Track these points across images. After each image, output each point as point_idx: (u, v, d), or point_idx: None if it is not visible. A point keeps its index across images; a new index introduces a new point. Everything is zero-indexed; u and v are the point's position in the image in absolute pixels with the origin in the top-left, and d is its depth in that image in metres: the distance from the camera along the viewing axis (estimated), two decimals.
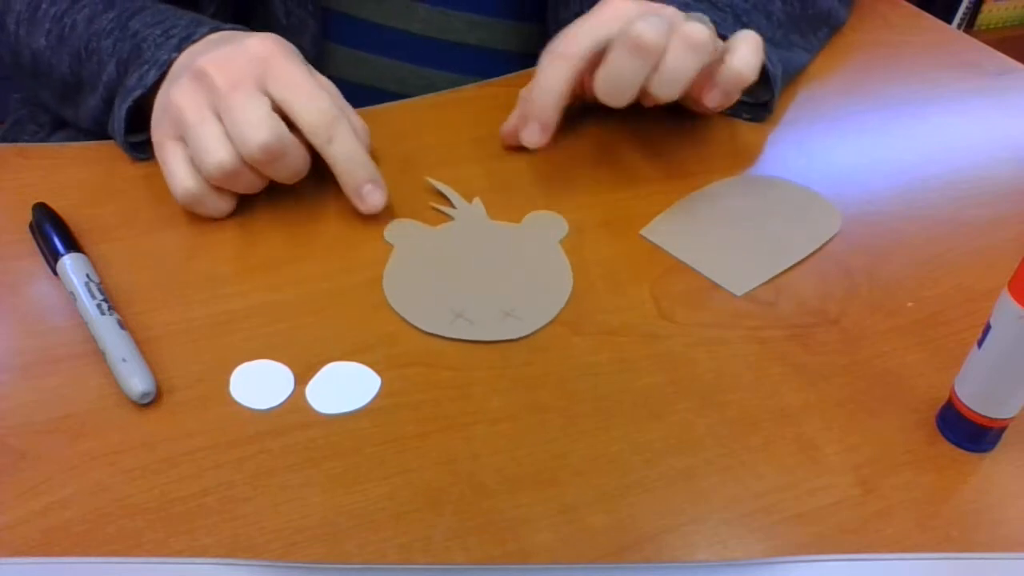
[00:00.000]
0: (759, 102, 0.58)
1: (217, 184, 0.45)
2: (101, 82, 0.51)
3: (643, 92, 0.46)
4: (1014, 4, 1.82)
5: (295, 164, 0.45)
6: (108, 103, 0.51)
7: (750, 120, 0.58)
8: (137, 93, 0.48)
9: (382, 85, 0.62)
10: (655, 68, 0.45)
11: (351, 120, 0.47)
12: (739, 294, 0.45)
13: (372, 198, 0.47)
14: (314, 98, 0.44)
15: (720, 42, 0.49)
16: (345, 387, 0.39)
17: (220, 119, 0.44)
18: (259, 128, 0.42)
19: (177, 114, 0.45)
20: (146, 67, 0.48)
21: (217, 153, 0.43)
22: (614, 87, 0.45)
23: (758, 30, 0.56)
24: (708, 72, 0.48)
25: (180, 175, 0.45)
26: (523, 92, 0.53)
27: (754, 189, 0.52)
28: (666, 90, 0.46)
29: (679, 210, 0.50)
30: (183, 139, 0.45)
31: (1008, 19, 1.85)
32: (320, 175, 0.51)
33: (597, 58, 0.46)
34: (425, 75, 0.62)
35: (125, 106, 0.48)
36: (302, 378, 0.39)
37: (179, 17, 0.51)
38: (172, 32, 0.49)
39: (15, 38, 0.54)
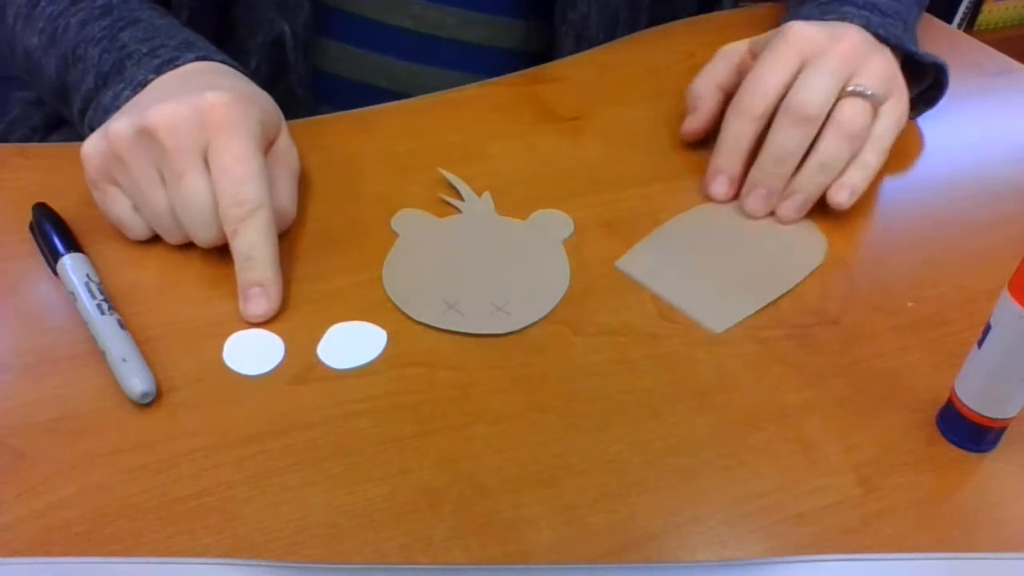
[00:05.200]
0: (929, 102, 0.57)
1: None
2: (80, 92, 0.50)
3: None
4: (1014, 4, 1.82)
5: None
6: (83, 114, 0.51)
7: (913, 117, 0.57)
8: (113, 115, 0.46)
9: (373, 81, 0.62)
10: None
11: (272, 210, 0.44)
12: (719, 331, 0.43)
13: (252, 303, 0.42)
14: (239, 184, 0.42)
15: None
16: (354, 344, 0.41)
17: (165, 183, 0.43)
18: (208, 227, 0.43)
19: (122, 168, 0.43)
20: (122, 86, 0.48)
21: (174, 236, 0.44)
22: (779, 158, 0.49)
23: (912, 25, 0.57)
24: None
25: (129, 225, 0.45)
26: (691, 89, 0.55)
27: (737, 217, 0.50)
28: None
29: (657, 239, 0.48)
30: (123, 189, 0.44)
31: (1008, 19, 1.84)
32: (322, 173, 0.51)
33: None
34: (416, 71, 0.62)
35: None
36: (300, 378, 0.39)
37: (170, 36, 0.50)
38: (159, 52, 0.48)
39: (12, 32, 0.54)
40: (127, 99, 0.47)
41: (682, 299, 0.44)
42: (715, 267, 0.47)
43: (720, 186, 0.50)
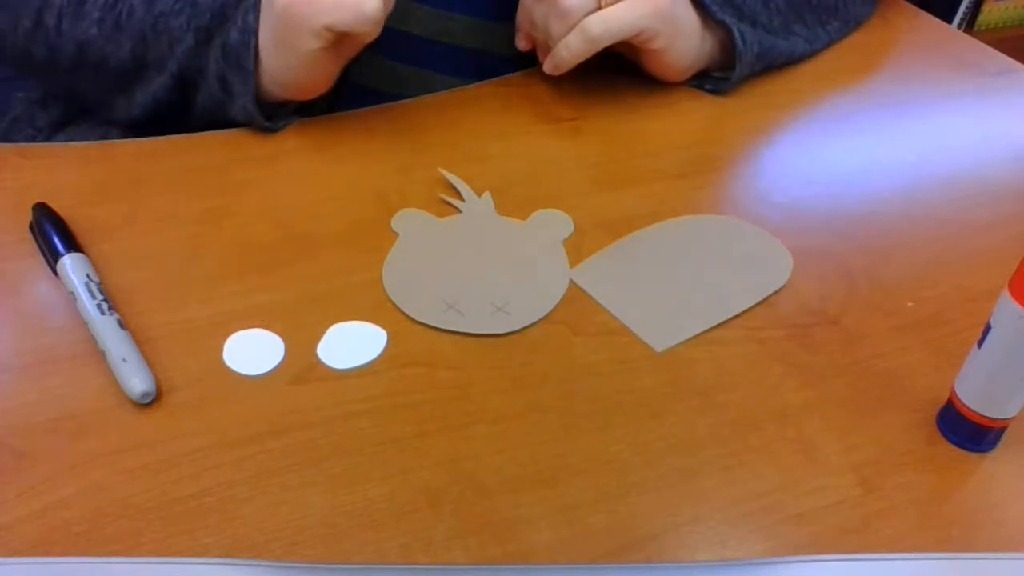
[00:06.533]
0: (725, 76, 0.60)
1: None
2: (172, 57, 0.52)
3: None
4: (1014, 4, 1.82)
5: None
6: (177, 78, 0.53)
7: (711, 91, 0.60)
8: (252, 40, 0.50)
9: (379, 86, 0.62)
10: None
11: None
12: (659, 350, 0.42)
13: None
14: None
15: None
16: (354, 344, 0.41)
17: None
18: None
19: None
20: (243, 11, 0.50)
21: None
22: None
23: (753, 15, 0.59)
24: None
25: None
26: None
27: (703, 231, 0.49)
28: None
29: (615, 251, 0.47)
30: None
31: (1008, 19, 1.84)
32: (322, 173, 0.51)
33: None
34: (422, 76, 0.62)
35: (250, 58, 0.50)
36: (300, 378, 0.39)
37: None
38: None
39: (56, 32, 0.54)
40: (255, 19, 0.50)
41: (627, 315, 0.43)
42: (668, 284, 0.45)
43: (520, 41, 0.60)
